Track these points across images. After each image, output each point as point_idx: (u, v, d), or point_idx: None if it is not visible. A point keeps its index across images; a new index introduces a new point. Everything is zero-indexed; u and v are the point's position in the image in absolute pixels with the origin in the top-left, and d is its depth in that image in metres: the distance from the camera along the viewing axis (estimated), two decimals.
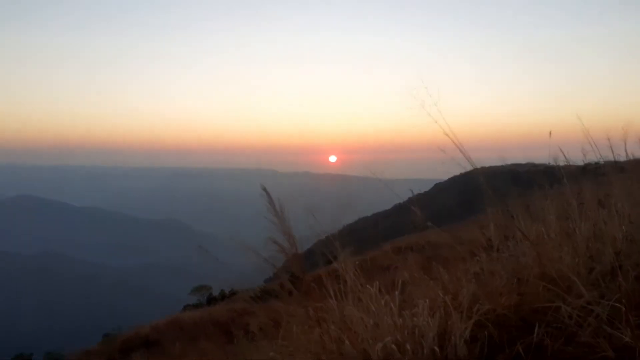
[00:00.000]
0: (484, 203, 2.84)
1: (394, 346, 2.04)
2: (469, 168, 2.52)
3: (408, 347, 2.05)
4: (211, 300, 21.27)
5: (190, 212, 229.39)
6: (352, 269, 2.58)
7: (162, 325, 14.40)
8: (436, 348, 2.01)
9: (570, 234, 2.67)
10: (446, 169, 2.50)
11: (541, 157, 3.03)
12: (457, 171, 2.56)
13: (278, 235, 2.40)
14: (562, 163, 3.09)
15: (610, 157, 3.21)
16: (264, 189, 2.20)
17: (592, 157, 3.21)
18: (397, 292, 2.46)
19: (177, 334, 11.42)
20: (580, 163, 3.32)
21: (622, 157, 3.26)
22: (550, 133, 2.72)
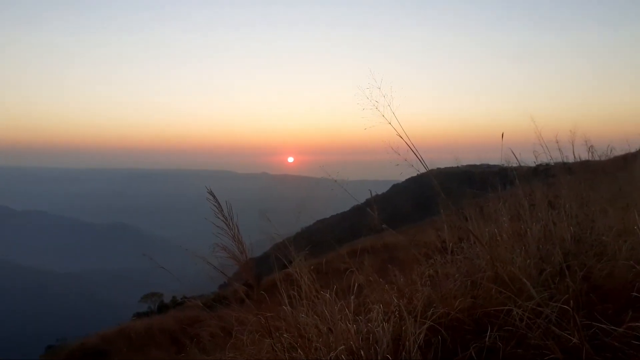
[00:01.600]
0: (439, 204, 2.85)
1: (344, 357, 1.98)
2: (422, 170, 2.51)
3: (362, 353, 1.99)
4: (162, 308, 20.56)
5: (141, 216, 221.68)
6: (307, 274, 2.50)
7: (110, 335, 13.71)
8: (388, 356, 1.96)
9: (522, 235, 2.72)
10: (401, 170, 2.47)
11: (496, 159, 3.10)
12: (412, 173, 2.54)
13: (228, 240, 2.27)
14: (514, 164, 3.17)
15: (560, 159, 3.34)
16: (210, 192, 2.06)
17: (543, 159, 3.32)
18: (352, 297, 2.41)
19: (126, 343, 10.91)
20: (532, 164, 3.43)
21: (570, 159, 3.40)
22: (502, 135, 2.78)
